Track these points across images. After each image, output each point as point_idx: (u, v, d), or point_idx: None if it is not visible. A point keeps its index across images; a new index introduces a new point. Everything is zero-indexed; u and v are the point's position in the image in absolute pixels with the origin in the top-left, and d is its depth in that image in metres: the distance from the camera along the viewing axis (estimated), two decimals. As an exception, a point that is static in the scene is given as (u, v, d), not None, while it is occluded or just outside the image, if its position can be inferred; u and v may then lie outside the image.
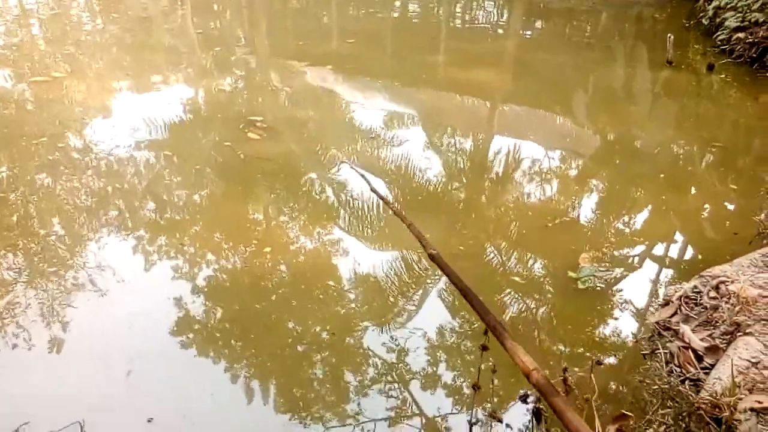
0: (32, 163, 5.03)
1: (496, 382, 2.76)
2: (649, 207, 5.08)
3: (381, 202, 4.76)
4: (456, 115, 7.09)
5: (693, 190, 5.31)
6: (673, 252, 4.36)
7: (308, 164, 5.41)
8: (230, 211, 4.62)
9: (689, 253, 4.40)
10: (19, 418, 1.83)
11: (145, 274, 3.85)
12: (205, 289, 3.72)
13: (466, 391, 3.00)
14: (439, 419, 2.88)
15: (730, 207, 5.06)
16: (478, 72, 8.43)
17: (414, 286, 3.86)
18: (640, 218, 4.83)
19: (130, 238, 4.17)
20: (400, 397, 2.99)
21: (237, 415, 2.83)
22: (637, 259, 4.20)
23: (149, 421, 2.67)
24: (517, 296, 3.78)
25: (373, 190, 3.30)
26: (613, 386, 3.03)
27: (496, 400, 2.92)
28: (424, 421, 2.86)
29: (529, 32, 11.77)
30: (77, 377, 2.98)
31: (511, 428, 2.72)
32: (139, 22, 10.72)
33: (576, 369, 3.14)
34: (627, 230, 4.62)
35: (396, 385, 3.05)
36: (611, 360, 3.20)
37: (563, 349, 3.36)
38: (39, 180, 4.78)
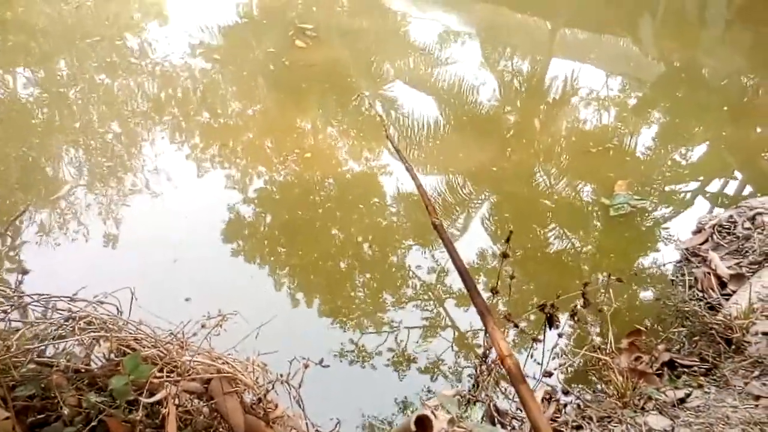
0: (90, 64, 5.22)
1: (513, 290, 2.84)
2: (705, 141, 4.87)
3: (430, 122, 4.78)
4: (514, 33, 6.81)
5: (758, 129, 5.01)
6: (717, 188, 4.22)
7: (356, 76, 5.40)
8: (274, 118, 4.72)
9: (734, 190, 4.24)
10: (79, 285, 2.08)
11: (194, 175, 4.06)
12: (252, 192, 3.91)
13: (502, 308, 3.03)
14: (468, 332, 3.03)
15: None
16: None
17: (458, 209, 3.94)
18: (691, 151, 4.65)
19: (182, 138, 4.38)
20: (435, 311, 3.15)
21: (276, 308, 3.03)
22: (677, 189, 4.10)
23: (186, 300, 2.93)
24: (546, 219, 3.80)
25: (388, 137, 3.36)
26: (635, 306, 3.10)
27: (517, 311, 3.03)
28: (456, 334, 3.02)
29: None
30: (129, 260, 3.27)
31: (525, 333, 2.85)
32: None
33: (602, 291, 3.20)
34: (675, 161, 4.48)
35: (431, 302, 3.21)
36: (636, 282, 3.24)
37: (587, 269, 3.42)
38: (98, 80, 4.97)
